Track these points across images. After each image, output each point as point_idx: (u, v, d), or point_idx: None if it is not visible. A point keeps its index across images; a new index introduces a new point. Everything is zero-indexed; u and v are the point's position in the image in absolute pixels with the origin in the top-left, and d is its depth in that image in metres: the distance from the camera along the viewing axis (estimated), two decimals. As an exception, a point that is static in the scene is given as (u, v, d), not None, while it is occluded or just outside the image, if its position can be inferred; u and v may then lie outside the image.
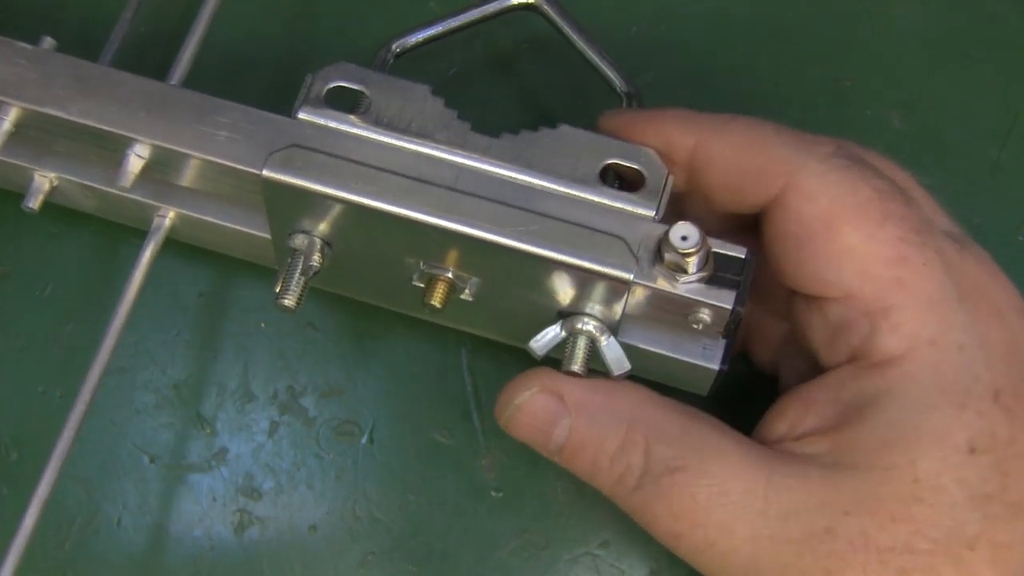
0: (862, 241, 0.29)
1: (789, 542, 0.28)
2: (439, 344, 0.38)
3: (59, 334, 0.38)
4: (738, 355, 0.36)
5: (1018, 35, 0.43)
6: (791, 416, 0.30)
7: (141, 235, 0.38)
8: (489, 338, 0.37)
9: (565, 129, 0.32)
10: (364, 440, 0.37)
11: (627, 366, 0.32)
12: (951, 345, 0.28)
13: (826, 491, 0.28)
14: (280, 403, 0.38)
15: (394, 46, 0.37)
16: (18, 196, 0.36)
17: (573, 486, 0.37)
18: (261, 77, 0.41)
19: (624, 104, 0.36)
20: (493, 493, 0.37)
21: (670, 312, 0.31)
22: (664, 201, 0.32)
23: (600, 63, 0.37)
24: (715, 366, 0.32)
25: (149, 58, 0.40)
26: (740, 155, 0.30)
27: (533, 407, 0.31)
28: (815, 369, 0.31)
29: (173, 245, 0.37)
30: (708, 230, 0.30)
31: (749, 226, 0.32)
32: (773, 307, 0.34)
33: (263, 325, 0.39)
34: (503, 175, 0.32)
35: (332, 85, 0.33)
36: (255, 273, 0.39)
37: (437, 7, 0.43)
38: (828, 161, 0.29)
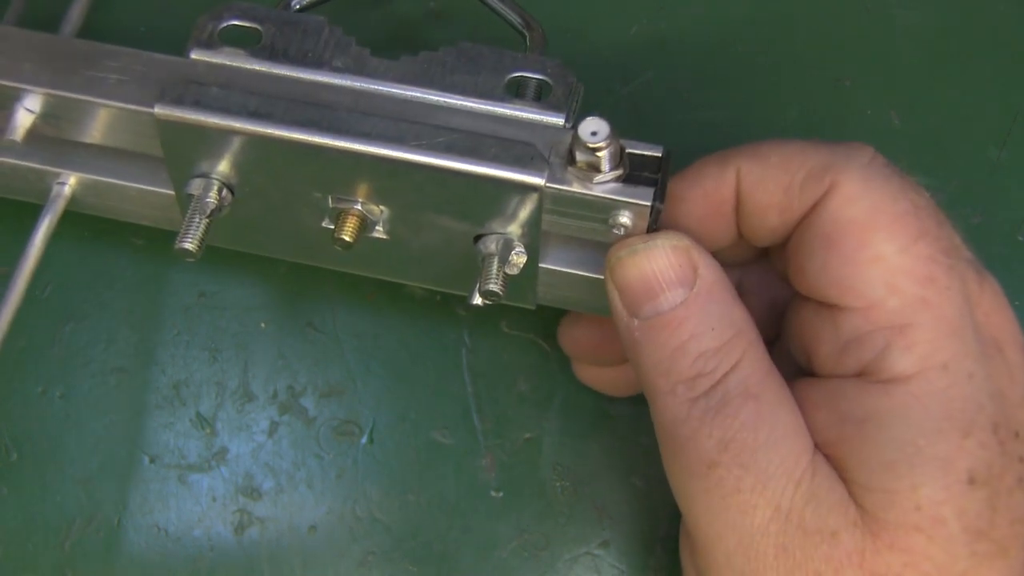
0: (895, 253, 0.28)
1: (800, 528, 0.28)
2: (439, 344, 0.38)
3: (59, 334, 0.38)
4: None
5: (1018, 35, 0.43)
6: None
7: (143, 234, 0.38)
8: (418, 285, 0.36)
9: (466, 45, 0.32)
10: (364, 440, 0.37)
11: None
12: (962, 372, 0.28)
13: (845, 494, 0.28)
14: (280, 403, 0.38)
15: (293, 3, 0.36)
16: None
17: (573, 486, 0.37)
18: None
19: (527, 40, 0.35)
20: (493, 493, 0.37)
21: (590, 220, 0.30)
22: (574, 108, 0.31)
23: (499, 6, 0.36)
24: None
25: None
26: (783, 172, 0.30)
27: (665, 257, 0.29)
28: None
29: (169, 246, 0.37)
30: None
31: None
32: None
33: (263, 325, 0.39)
34: (404, 95, 0.31)
35: (226, 24, 0.32)
36: (255, 273, 0.39)
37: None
38: (870, 166, 0.29)
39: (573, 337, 0.36)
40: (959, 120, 0.41)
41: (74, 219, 0.38)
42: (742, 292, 0.34)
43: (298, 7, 0.35)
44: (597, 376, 0.36)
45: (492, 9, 0.36)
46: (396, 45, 0.42)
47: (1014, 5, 0.43)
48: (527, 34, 0.35)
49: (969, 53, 0.42)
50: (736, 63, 0.42)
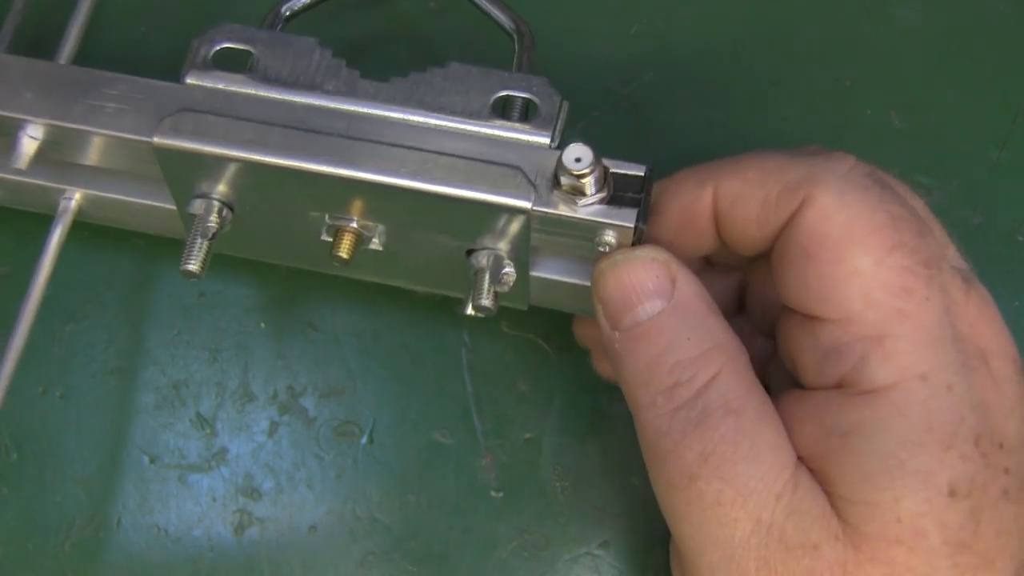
0: (870, 266, 0.28)
1: (781, 541, 0.28)
2: (439, 344, 0.38)
3: (59, 334, 0.38)
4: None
5: (1018, 35, 0.43)
6: None
7: (144, 235, 0.38)
8: (415, 289, 0.36)
9: (455, 66, 0.33)
10: (364, 440, 0.37)
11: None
12: (941, 384, 0.28)
13: (827, 507, 0.28)
14: (280, 403, 0.38)
15: (283, 8, 0.36)
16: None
17: (573, 486, 0.37)
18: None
19: (515, 43, 0.36)
20: (493, 493, 0.37)
21: (576, 238, 0.31)
22: (559, 127, 0.31)
23: (490, 7, 0.37)
24: None
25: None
26: (759, 187, 0.30)
27: (644, 270, 0.30)
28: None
29: (169, 247, 0.37)
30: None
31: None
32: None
33: (263, 325, 0.39)
34: (394, 117, 0.32)
35: (218, 47, 0.33)
36: (255, 273, 0.39)
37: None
38: (847, 178, 0.29)
39: (588, 331, 0.36)
40: (959, 120, 0.41)
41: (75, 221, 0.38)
42: (745, 291, 0.35)
43: (288, 13, 0.36)
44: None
45: (481, 10, 0.37)
46: (396, 44, 0.42)
47: (1014, 5, 0.43)
48: (516, 37, 0.36)
49: (969, 53, 0.42)
50: (736, 63, 0.42)
